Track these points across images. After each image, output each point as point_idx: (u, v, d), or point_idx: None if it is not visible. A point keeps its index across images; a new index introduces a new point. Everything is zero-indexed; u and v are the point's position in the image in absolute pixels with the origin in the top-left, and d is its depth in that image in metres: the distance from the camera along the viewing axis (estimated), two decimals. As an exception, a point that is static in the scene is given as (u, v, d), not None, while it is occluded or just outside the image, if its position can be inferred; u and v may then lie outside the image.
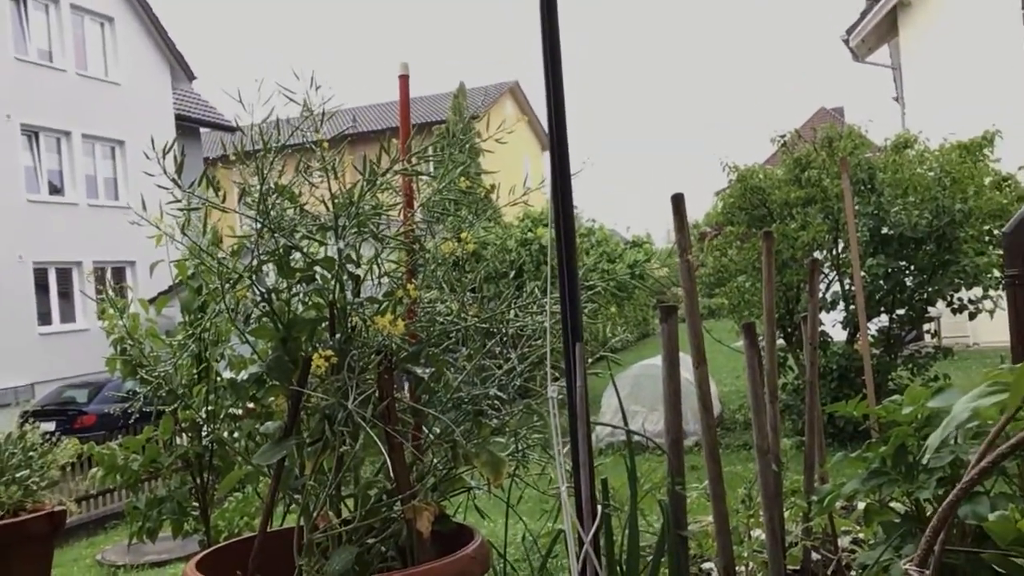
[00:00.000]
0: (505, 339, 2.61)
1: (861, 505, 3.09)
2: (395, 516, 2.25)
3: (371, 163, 2.32)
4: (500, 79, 34.88)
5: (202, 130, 24.84)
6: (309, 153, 2.37)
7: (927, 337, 9.45)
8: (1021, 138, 5.44)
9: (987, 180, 8.43)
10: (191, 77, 23.94)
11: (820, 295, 8.35)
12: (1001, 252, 7.03)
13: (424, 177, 2.54)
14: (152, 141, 2.19)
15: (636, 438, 6.70)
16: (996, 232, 8.05)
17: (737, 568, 3.07)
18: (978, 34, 13.62)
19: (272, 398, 2.49)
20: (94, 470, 3.58)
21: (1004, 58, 8.10)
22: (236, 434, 3.31)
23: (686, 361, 3.02)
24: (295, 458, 2.27)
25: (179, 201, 2.31)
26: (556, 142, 2.46)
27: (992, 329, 9.32)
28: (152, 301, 3.70)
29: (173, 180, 2.24)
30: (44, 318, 19.31)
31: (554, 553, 3.09)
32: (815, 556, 3.39)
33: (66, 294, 19.91)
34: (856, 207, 8.09)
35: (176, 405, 3.33)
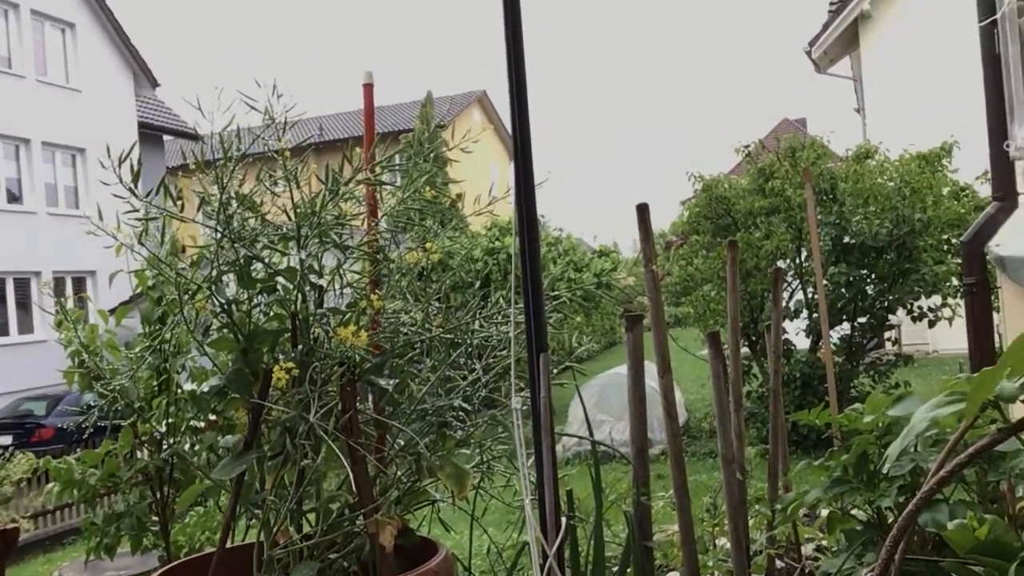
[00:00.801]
0: (470, 350, 2.59)
1: (824, 513, 3.12)
2: (357, 530, 2.22)
3: (334, 172, 2.30)
4: (468, 88, 34.93)
5: (166, 138, 24.51)
6: (272, 162, 2.34)
7: (888, 345, 9.60)
8: (979, 149, 5.55)
9: (945, 190, 8.61)
10: (154, 84, 23.63)
11: (784, 304, 8.44)
12: (959, 261, 7.16)
13: (388, 186, 2.52)
14: (108, 149, 2.15)
15: (601, 448, 6.70)
16: (955, 241, 8.21)
17: (702, 577, 3.08)
18: (937, 46, 13.90)
19: (233, 411, 2.45)
20: (50, 485, 3.49)
21: (963, 70, 8.27)
22: (197, 447, 3.26)
23: (651, 370, 3.03)
24: (255, 472, 2.24)
25: (136, 211, 2.27)
26: (520, 151, 2.45)
27: (951, 336, 9.50)
28: (112, 312, 3.63)
29: (129, 189, 2.19)
30: (1, 329, 18.90)
31: (519, 565, 3.07)
32: (779, 564, 3.41)
33: (24, 304, 19.50)
34: (818, 216, 8.20)
35: (135, 418, 3.26)
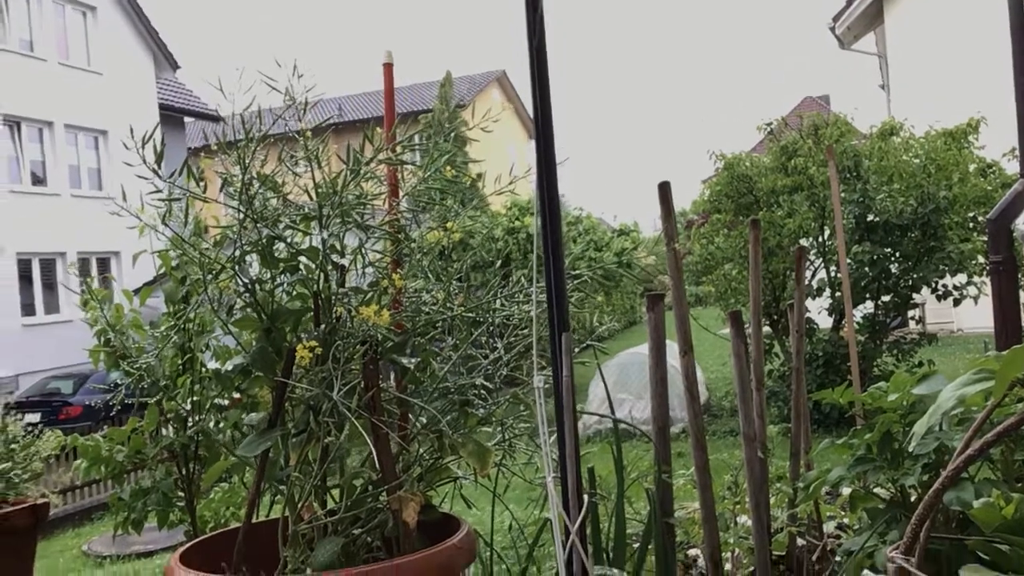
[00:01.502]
0: (492, 328, 2.60)
1: (846, 491, 3.11)
2: (381, 506, 2.24)
3: (355, 152, 2.30)
4: (487, 68, 34.78)
5: (187, 119, 24.64)
6: (293, 142, 2.35)
7: (912, 323, 9.51)
8: (1006, 125, 5.47)
9: (972, 167, 8.48)
10: (175, 66, 23.72)
11: (806, 282, 8.38)
12: (985, 239, 7.06)
13: (409, 166, 2.52)
14: (131, 130, 2.16)
15: (623, 426, 6.72)
16: (980, 219, 8.10)
17: (723, 554, 3.09)
18: (963, 21, 13.66)
19: (257, 389, 2.47)
20: (78, 461, 3.55)
21: (989, 45, 8.15)
22: (222, 425, 3.30)
23: (673, 349, 3.02)
24: (280, 449, 2.26)
25: (160, 191, 2.28)
26: (541, 131, 2.44)
27: (976, 315, 9.40)
28: (136, 292, 3.67)
29: (153, 170, 2.21)
30: (28, 309, 19.17)
31: (541, 542, 3.10)
32: (800, 542, 3.41)
33: (50, 285, 19.77)
34: (842, 194, 8.11)
35: (160, 396, 3.30)
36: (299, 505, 2.22)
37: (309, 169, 2.31)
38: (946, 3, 14.40)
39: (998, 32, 5.19)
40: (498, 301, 2.60)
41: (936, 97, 12.55)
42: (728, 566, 3.24)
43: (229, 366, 2.53)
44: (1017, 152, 5.18)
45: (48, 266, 19.80)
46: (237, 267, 2.24)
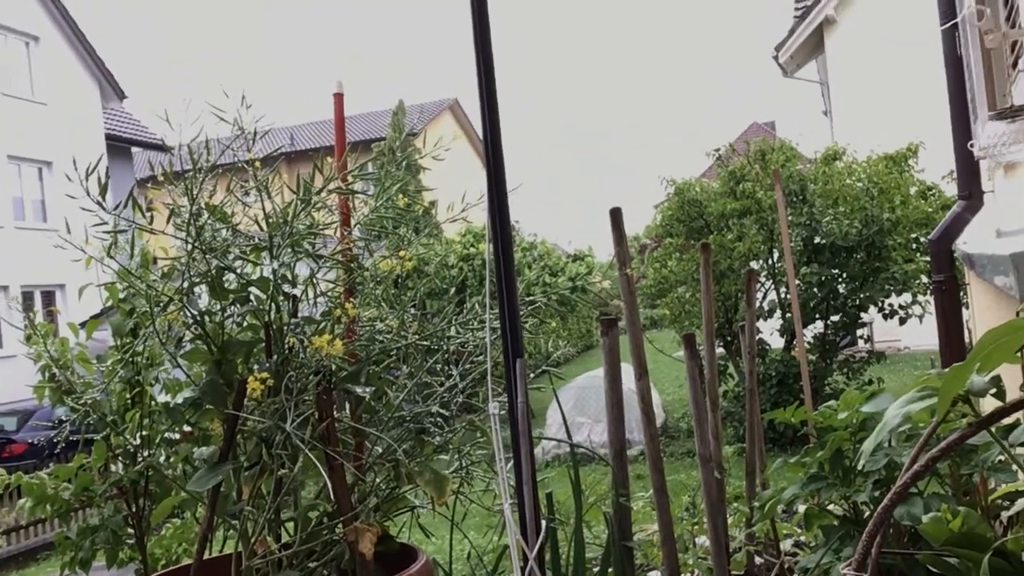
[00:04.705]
0: (447, 356, 2.59)
1: (801, 509, 3.14)
2: (337, 538, 2.21)
3: (305, 182, 2.29)
4: (440, 96, 34.92)
5: (134, 150, 24.25)
6: (243, 172, 2.33)
7: (860, 342, 9.71)
8: (944, 148, 5.65)
9: (912, 190, 8.73)
10: (122, 96, 23.38)
11: (757, 304, 8.51)
12: (928, 259, 7.26)
13: (361, 195, 2.52)
14: (74, 162, 2.13)
15: (580, 450, 6.72)
16: (923, 239, 8.33)
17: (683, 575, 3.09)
18: (901, 49, 14.11)
19: (208, 422, 2.43)
20: (23, 500, 3.43)
21: (926, 72, 8.45)
22: (172, 459, 3.22)
23: (629, 372, 3.04)
24: (232, 483, 2.22)
25: (104, 223, 2.24)
26: (492, 158, 2.45)
27: (922, 333, 9.61)
28: (83, 325, 3.58)
29: (97, 202, 2.17)
30: (-31, 345, 18.57)
31: (500, 569, 3.07)
32: (758, 560, 3.43)
33: (-8, 320, 19.18)
34: (789, 218, 8.28)
35: (108, 431, 3.22)
36: (252, 539, 2.17)
37: (259, 199, 2.29)
38: (883, 33, 14.88)
39: (933, 59, 5.37)
40: (452, 328, 2.60)
41: (877, 122, 12.93)
42: (687, 588, 3.24)
43: (179, 399, 2.48)
44: (955, 175, 5.35)
45: (-10, 301, 19.23)
46: (185, 299, 2.21)
